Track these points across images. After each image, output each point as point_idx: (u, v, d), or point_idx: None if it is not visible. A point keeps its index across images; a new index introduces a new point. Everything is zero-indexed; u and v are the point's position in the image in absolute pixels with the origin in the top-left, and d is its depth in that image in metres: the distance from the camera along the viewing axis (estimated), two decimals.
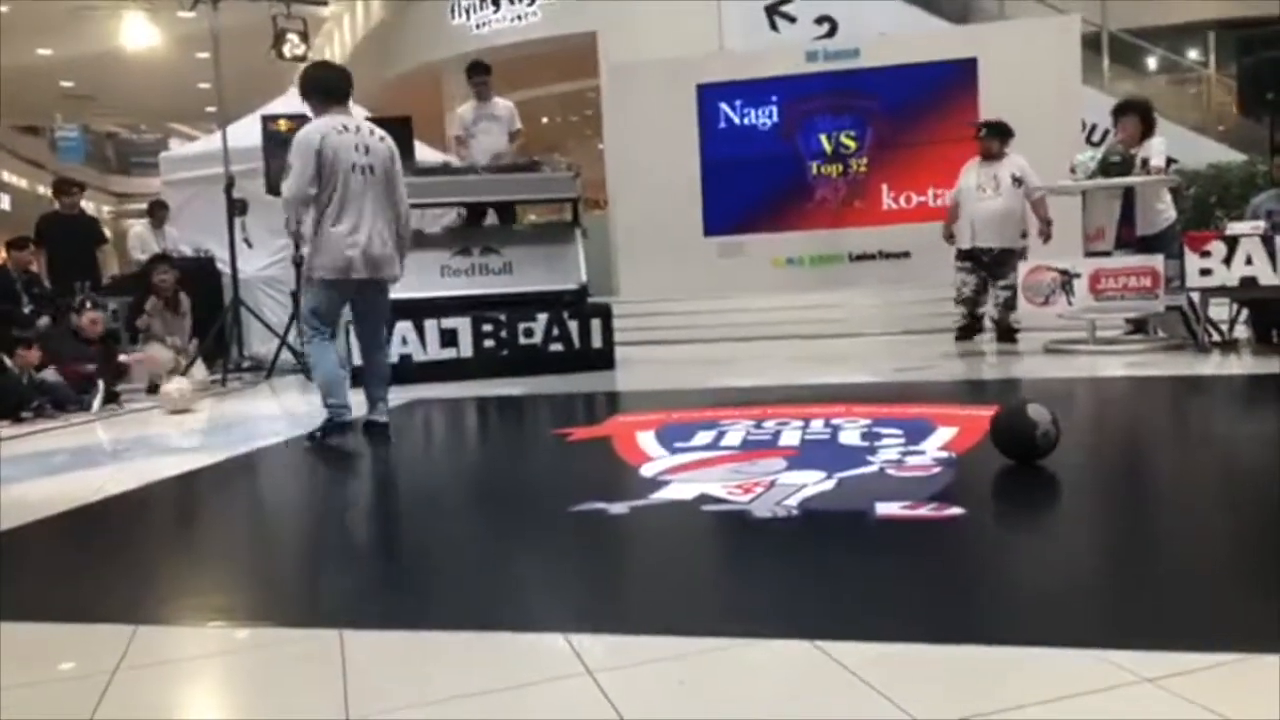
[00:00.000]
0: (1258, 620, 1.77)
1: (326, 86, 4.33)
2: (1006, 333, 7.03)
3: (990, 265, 6.99)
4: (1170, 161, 7.00)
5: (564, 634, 1.84)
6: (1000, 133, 7.06)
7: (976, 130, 7.23)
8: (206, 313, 7.70)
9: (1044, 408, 3.06)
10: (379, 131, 4.38)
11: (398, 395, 5.72)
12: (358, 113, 4.77)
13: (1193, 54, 13.09)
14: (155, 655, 1.91)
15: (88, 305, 6.62)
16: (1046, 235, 6.91)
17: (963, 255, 7.10)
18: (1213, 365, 5.60)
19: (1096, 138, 8.93)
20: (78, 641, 2.01)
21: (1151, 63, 13.16)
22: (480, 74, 7.85)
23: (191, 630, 2.09)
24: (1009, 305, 6.90)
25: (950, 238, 7.20)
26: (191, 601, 2.32)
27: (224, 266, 7.96)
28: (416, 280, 6.74)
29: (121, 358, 6.68)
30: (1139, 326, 6.78)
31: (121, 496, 3.44)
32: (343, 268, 4.21)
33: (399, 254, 4.43)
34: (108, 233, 9.39)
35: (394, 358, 6.54)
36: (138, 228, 9.10)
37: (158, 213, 8.90)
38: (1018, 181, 6.88)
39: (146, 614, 2.11)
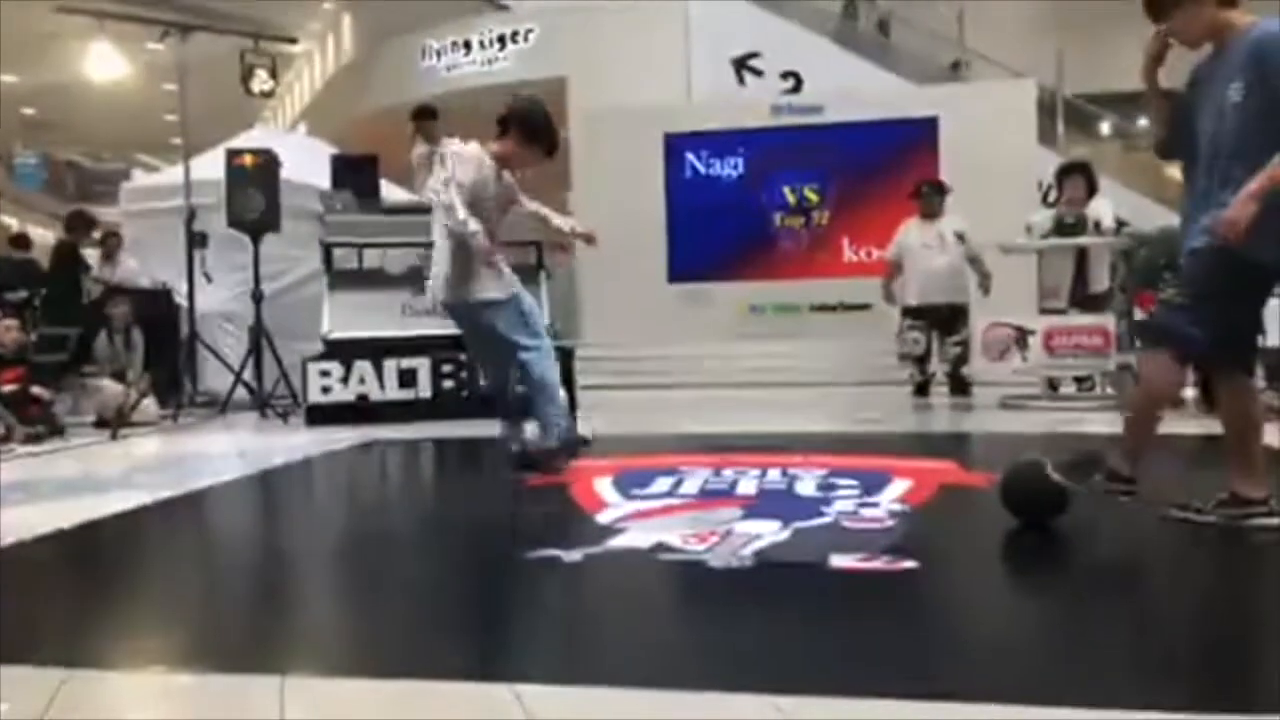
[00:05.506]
0: (1202, 679, 1.78)
1: None
2: (961, 386, 7.11)
3: (940, 322, 7.08)
4: (1122, 224, 7.18)
5: (510, 684, 1.80)
6: (940, 191, 7.22)
7: (917, 189, 7.36)
8: (162, 346, 7.56)
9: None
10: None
11: (353, 435, 5.66)
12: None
13: (1144, 121, 13.49)
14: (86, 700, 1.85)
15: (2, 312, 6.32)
16: (986, 288, 7.02)
17: (911, 313, 7.17)
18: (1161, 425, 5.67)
19: (1052, 198, 9.15)
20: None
21: (1105, 127, 13.58)
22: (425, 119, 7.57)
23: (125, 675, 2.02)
24: (961, 360, 6.99)
25: (890, 297, 7.28)
26: (125, 646, 2.25)
27: (181, 299, 7.83)
28: (376, 320, 6.72)
29: (36, 390, 6.18)
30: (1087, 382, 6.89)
31: (53, 536, 3.33)
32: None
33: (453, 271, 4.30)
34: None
35: (351, 397, 6.51)
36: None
37: (109, 243, 8.55)
38: (959, 238, 7.01)
39: (80, 657, 2.04)
